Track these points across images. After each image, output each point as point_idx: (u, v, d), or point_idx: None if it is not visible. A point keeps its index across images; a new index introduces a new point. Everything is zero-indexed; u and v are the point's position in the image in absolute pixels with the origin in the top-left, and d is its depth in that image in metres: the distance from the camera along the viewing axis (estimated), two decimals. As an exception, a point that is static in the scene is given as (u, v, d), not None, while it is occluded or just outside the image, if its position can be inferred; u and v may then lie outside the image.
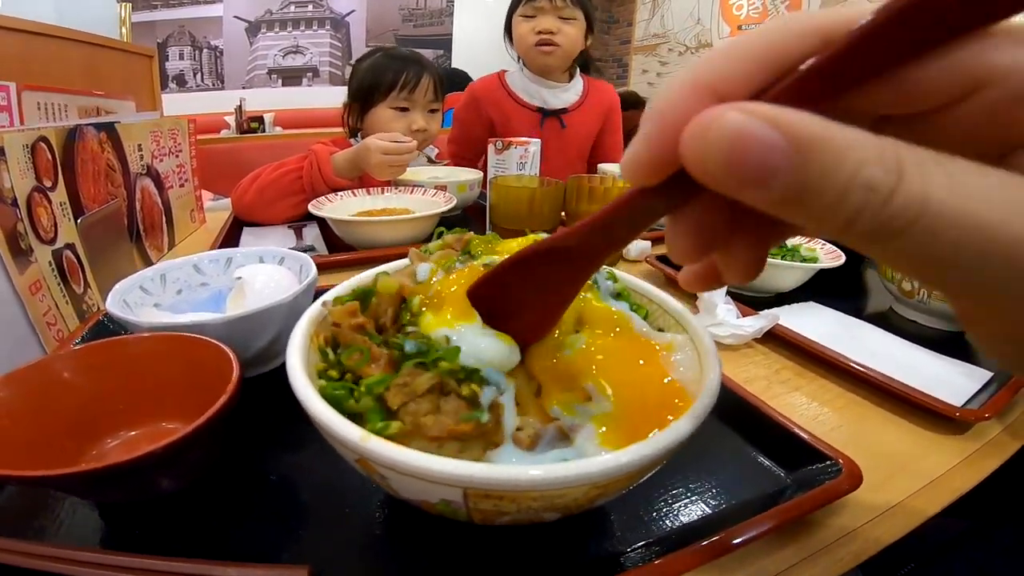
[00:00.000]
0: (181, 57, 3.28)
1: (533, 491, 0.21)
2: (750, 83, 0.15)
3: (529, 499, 0.21)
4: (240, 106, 2.78)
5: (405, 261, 0.35)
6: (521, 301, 0.26)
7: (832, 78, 0.14)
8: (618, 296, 0.34)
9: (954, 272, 0.13)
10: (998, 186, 0.12)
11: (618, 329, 0.28)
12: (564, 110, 1.31)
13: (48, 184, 0.55)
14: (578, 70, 1.34)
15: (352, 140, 1.19)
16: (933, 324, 0.67)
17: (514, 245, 0.31)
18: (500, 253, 0.32)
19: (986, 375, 0.54)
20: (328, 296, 0.32)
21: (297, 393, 0.24)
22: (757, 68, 0.15)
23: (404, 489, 0.23)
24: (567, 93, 1.32)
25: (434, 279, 0.30)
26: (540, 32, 1.20)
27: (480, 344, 0.25)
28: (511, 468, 0.21)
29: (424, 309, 0.28)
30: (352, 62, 1.23)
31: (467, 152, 1.44)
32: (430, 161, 1.18)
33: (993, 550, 0.62)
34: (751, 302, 0.64)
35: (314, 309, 0.31)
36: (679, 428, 0.23)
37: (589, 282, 0.30)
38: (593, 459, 0.21)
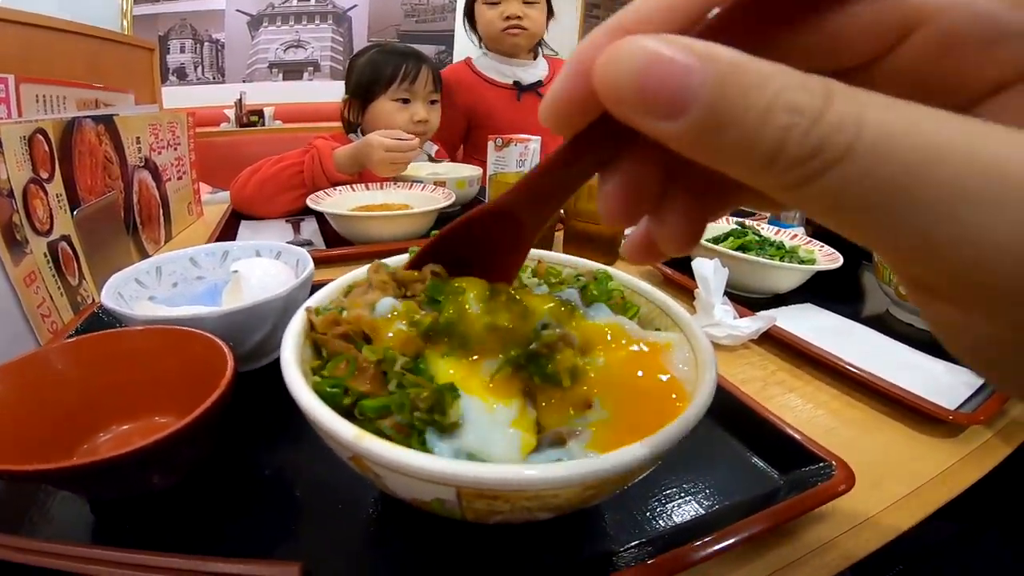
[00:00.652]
0: (182, 50, 3.26)
1: (527, 491, 0.21)
2: (671, 27, 0.14)
3: (523, 499, 0.21)
4: (240, 99, 2.77)
5: (404, 257, 0.35)
6: (471, 260, 0.28)
7: (750, 17, 0.13)
8: (594, 301, 0.33)
9: (900, 219, 0.11)
10: (948, 116, 0.10)
11: (610, 338, 0.28)
12: (540, 82, 1.35)
13: (45, 176, 0.55)
14: (541, 50, 1.38)
15: (352, 135, 1.19)
16: (928, 326, 0.66)
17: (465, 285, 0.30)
18: (458, 295, 0.29)
19: (980, 378, 0.54)
20: (314, 299, 0.32)
21: (291, 389, 0.24)
22: (680, 14, 0.14)
23: (398, 487, 0.23)
24: (536, 69, 1.35)
25: (397, 323, 0.27)
26: (508, 18, 1.23)
27: (491, 437, 0.24)
28: (505, 468, 0.21)
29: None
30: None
31: (449, 137, 1.45)
32: (431, 159, 1.18)
33: (981, 553, 0.62)
34: (748, 303, 0.64)
35: (303, 312, 0.30)
36: (672, 430, 0.22)
37: (573, 309, 0.29)
38: (587, 460, 0.21)
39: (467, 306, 0.27)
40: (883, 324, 0.67)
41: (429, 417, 0.23)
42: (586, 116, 0.15)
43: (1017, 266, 0.10)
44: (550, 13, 1.32)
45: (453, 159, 1.39)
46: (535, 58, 1.37)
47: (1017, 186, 0.10)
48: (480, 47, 1.34)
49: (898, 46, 0.14)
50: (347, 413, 0.24)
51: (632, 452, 0.21)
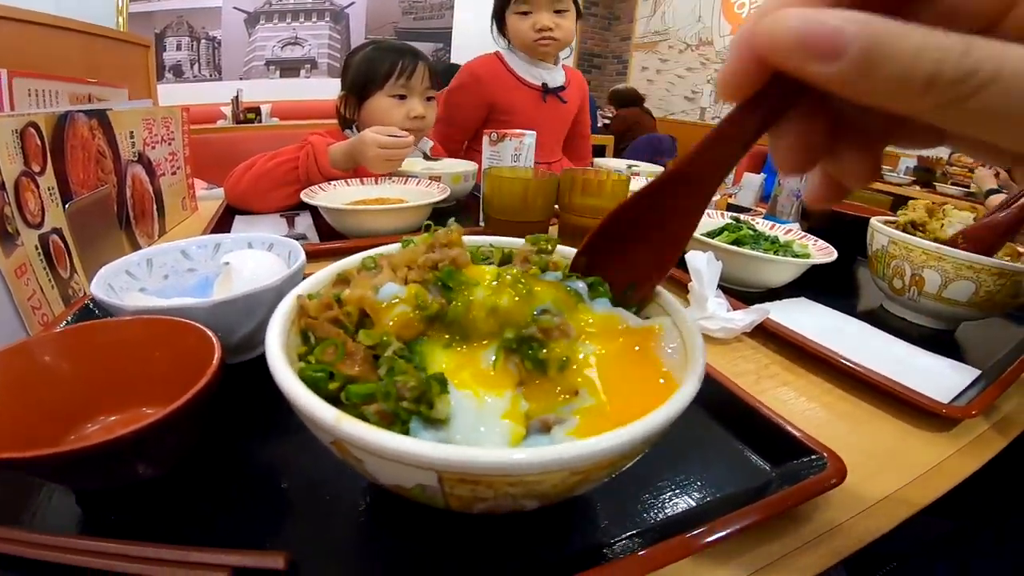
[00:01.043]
0: (179, 48, 3.25)
1: (509, 476, 0.20)
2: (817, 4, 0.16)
3: (506, 484, 0.21)
4: (236, 97, 2.76)
5: (397, 246, 0.35)
6: (646, 236, 0.29)
7: None
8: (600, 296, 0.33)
9: None
10: None
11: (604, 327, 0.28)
12: (563, 87, 1.39)
13: (36, 169, 0.54)
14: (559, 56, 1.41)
15: (348, 132, 1.19)
16: (922, 322, 0.67)
17: (477, 275, 0.30)
18: (469, 285, 0.29)
19: (974, 372, 0.54)
20: (305, 285, 0.31)
21: (273, 372, 0.24)
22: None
23: (379, 473, 0.23)
24: (559, 74, 1.39)
25: (400, 307, 0.27)
26: (540, 30, 1.25)
27: (479, 427, 0.24)
28: (486, 451, 0.20)
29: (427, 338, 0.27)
30: (350, 55, 1.24)
31: (457, 135, 1.44)
32: (425, 157, 1.18)
33: (975, 551, 0.62)
34: (742, 297, 0.64)
35: (293, 297, 0.30)
36: (660, 415, 0.22)
37: (578, 298, 0.30)
38: (572, 444, 0.20)
39: (476, 294, 0.27)
40: (877, 319, 0.67)
41: (415, 407, 0.23)
42: (752, 83, 0.17)
43: None
44: (578, 15, 1.33)
45: (453, 154, 1.38)
46: (556, 63, 1.40)
47: None
48: (508, 47, 1.36)
49: (1013, 9, 0.16)
50: (334, 400, 0.24)
51: (618, 436, 0.21)
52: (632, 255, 0.30)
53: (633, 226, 0.29)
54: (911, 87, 0.14)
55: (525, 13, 1.27)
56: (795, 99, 0.18)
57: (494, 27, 1.37)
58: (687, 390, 0.24)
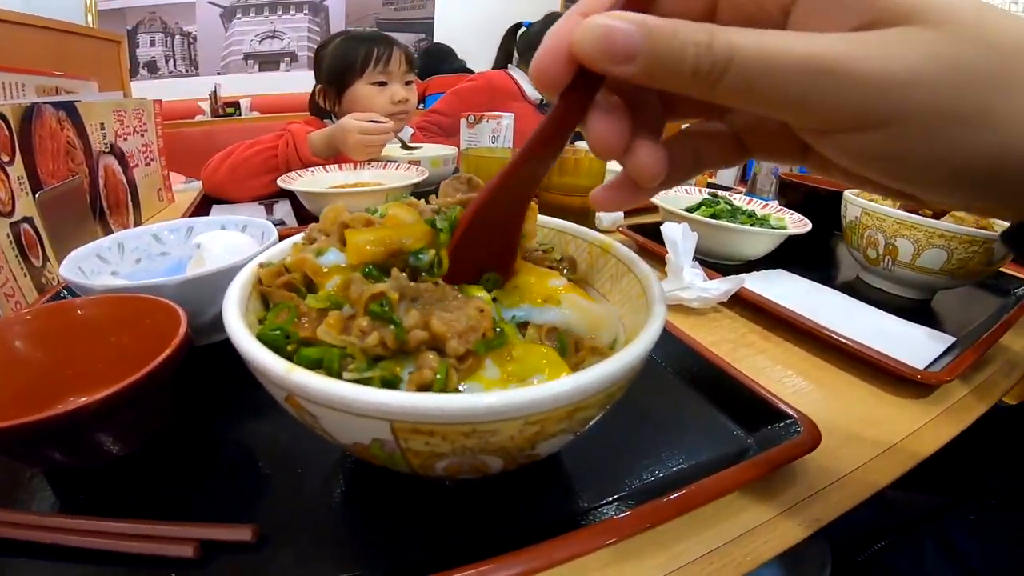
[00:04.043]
0: (153, 44, 3.19)
1: (461, 423, 0.20)
2: (612, 7, 0.19)
3: (460, 435, 0.21)
4: (215, 92, 2.72)
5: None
6: (490, 238, 0.28)
7: None
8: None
9: (769, 94, 0.17)
10: (783, 33, 0.17)
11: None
12: None
13: (5, 159, 0.54)
14: None
15: (327, 121, 1.18)
16: (897, 292, 0.68)
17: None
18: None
19: (949, 339, 0.55)
20: (267, 254, 0.31)
21: (229, 330, 0.24)
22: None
23: (336, 430, 0.23)
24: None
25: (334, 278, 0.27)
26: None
27: None
28: (434, 396, 0.20)
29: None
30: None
31: (453, 125, 1.46)
32: (404, 146, 1.17)
33: (960, 526, 0.62)
34: (720, 270, 0.65)
35: (254, 265, 0.30)
36: (617, 361, 0.22)
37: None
38: (521, 389, 0.21)
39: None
40: (854, 290, 0.68)
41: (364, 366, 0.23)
42: (565, 75, 0.20)
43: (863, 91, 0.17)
44: None
45: (432, 139, 1.39)
46: None
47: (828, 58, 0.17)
48: (515, 65, 1.52)
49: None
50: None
51: (573, 381, 0.21)
52: (483, 253, 0.30)
53: (482, 229, 0.28)
54: (684, 78, 0.18)
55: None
56: (598, 86, 0.21)
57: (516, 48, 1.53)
58: (647, 336, 0.24)
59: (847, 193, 0.71)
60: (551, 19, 1.51)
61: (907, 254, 0.62)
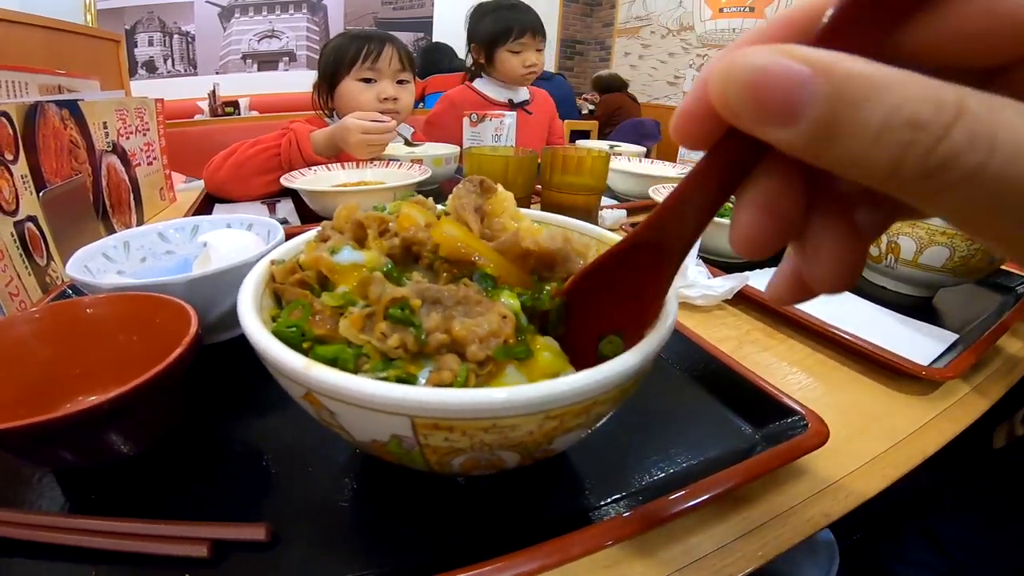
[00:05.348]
0: (151, 44, 3.19)
1: (482, 419, 0.20)
2: (792, 40, 0.13)
3: (480, 430, 0.21)
4: (213, 91, 2.72)
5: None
6: (615, 304, 0.25)
7: (867, 15, 0.12)
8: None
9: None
10: None
11: None
12: (527, 101, 1.57)
13: (10, 158, 0.54)
14: None
15: (328, 120, 1.18)
16: (900, 289, 0.68)
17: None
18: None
19: (952, 336, 0.55)
20: (279, 251, 0.31)
21: (244, 326, 0.24)
22: (797, 30, 0.13)
23: (354, 427, 0.23)
24: (522, 92, 1.58)
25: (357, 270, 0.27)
26: (528, 66, 1.47)
27: None
28: (457, 392, 0.20)
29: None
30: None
31: (446, 139, 1.50)
32: (406, 143, 1.17)
33: (939, 513, 0.63)
34: (724, 268, 0.65)
35: (267, 262, 0.30)
36: (630, 358, 0.23)
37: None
38: (542, 383, 0.21)
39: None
40: (856, 288, 0.68)
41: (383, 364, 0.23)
42: (712, 129, 0.15)
43: None
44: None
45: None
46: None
47: None
48: (483, 75, 1.55)
49: None
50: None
51: (591, 376, 0.21)
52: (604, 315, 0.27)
53: (604, 288, 0.26)
54: (872, 172, 0.11)
55: (516, 52, 1.46)
56: (763, 152, 0.15)
57: (481, 54, 1.52)
58: (660, 333, 0.24)
59: None
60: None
61: (909, 251, 0.62)
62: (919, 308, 0.64)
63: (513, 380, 0.24)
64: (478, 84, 1.55)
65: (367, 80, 1.13)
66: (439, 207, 0.33)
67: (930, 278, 0.63)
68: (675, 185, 0.18)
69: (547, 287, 0.28)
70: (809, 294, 0.18)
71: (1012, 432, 0.59)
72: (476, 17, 1.53)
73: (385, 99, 1.13)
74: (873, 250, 0.66)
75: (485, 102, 1.51)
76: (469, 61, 1.60)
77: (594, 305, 0.26)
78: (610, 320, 0.26)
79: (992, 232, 0.12)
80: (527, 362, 0.24)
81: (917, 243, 0.61)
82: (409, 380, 0.23)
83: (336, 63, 1.13)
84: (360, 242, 0.28)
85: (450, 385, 0.22)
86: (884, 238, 0.64)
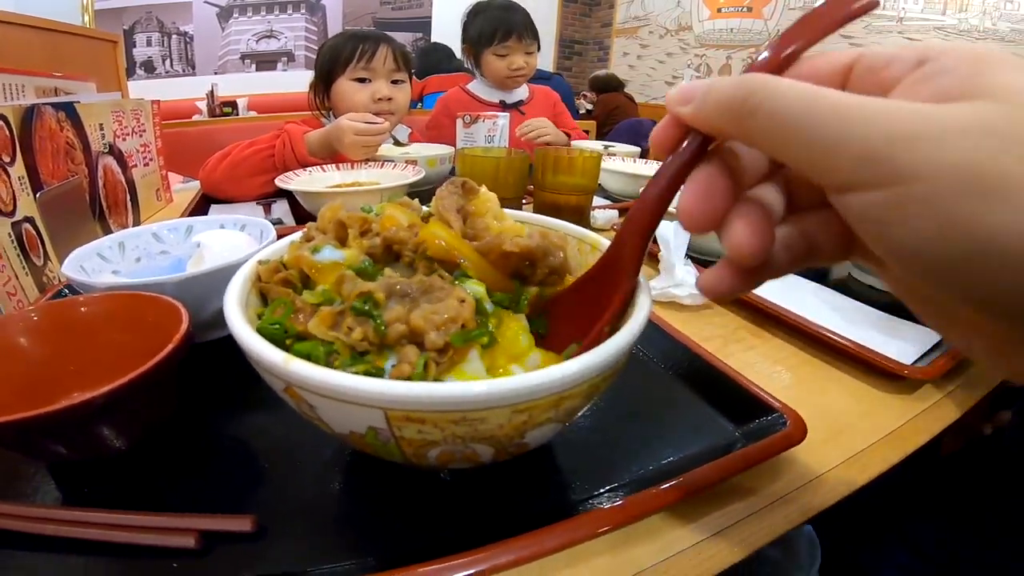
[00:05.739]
0: (149, 44, 3.20)
1: (450, 411, 0.21)
2: None
3: (451, 423, 0.22)
4: (212, 91, 2.72)
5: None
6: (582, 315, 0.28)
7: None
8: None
9: (795, 138, 0.17)
10: (827, 88, 0.17)
11: None
12: (521, 101, 1.55)
13: (7, 159, 0.54)
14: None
15: (324, 120, 1.19)
16: (886, 287, 0.68)
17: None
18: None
19: (935, 337, 0.55)
20: (266, 252, 0.32)
21: (230, 325, 0.24)
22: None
23: (332, 419, 0.23)
24: (519, 92, 1.57)
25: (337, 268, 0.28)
26: (513, 69, 1.46)
27: None
28: (425, 384, 0.21)
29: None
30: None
31: (445, 141, 1.50)
32: (396, 143, 1.18)
33: (920, 517, 0.63)
34: (711, 266, 0.65)
35: (254, 262, 0.31)
36: (598, 352, 0.23)
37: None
38: (508, 378, 0.21)
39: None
40: (846, 288, 0.68)
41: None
42: (672, 135, 0.22)
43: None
44: (538, 49, 1.56)
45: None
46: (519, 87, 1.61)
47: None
48: (471, 67, 1.54)
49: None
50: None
51: (557, 371, 0.22)
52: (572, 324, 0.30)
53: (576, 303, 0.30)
54: (721, 113, 0.19)
55: (502, 56, 1.45)
56: (702, 150, 0.22)
57: (471, 62, 1.53)
58: (633, 327, 0.25)
59: None
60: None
61: None
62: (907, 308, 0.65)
63: (473, 368, 0.25)
64: (472, 86, 1.55)
65: (361, 80, 1.13)
66: (424, 208, 0.34)
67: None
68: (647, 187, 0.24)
69: (527, 291, 0.29)
70: (743, 278, 0.23)
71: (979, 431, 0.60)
72: (470, 17, 1.52)
73: (380, 99, 1.13)
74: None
75: (477, 103, 1.51)
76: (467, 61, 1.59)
77: (567, 318, 0.28)
78: (578, 328, 0.28)
79: (780, 145, 0.18)
80: (491, 348, 0.25)
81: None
82: (377, 375, 0.24)
83: (331, 63, 1.14)
84: (342, 241, 0.29)
85: (409, 377, 0.23)
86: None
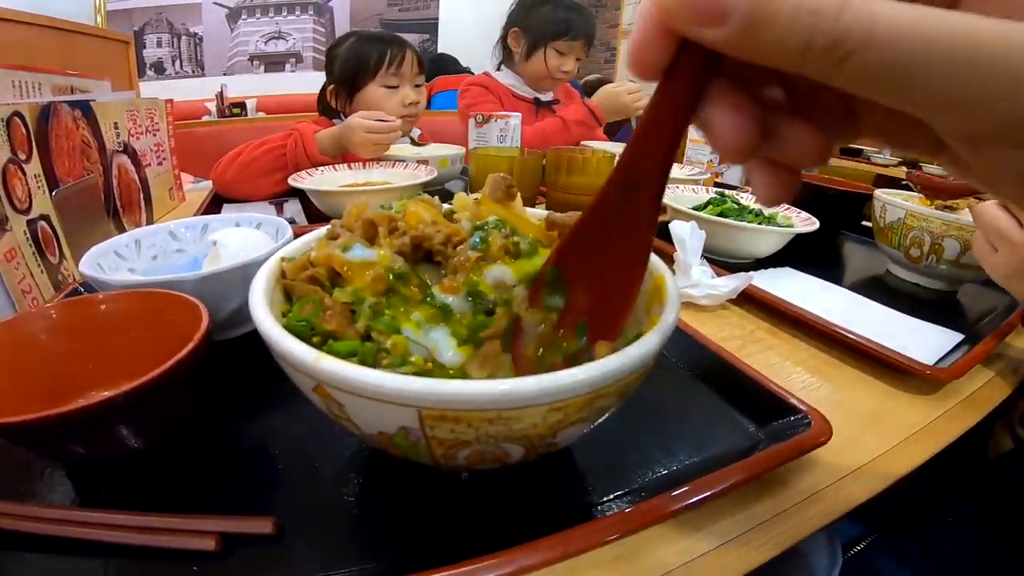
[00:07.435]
0: (159, 45, 3.22)
1: (487, 410, 0.21)
2: None
3: (485, 421, 0.21)
4: (221, 92, 2.73)
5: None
6: (603, 263, 0.25)
7: None
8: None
9: (917, 87, 0.13)
10: (946, 12, 0.13)
11: None
12: (556, 101, 1.49)
13: (23, 157, 0.55)
14: None
15: (335, 120, 1.19)
16: (933, 285, 0.69)
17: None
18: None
19: (957, 337, 0.55)
20: (289, 248, 0.32)
21: (257, 321, 0.24)
22: None
23: (361, 418, 0.23)
24: (549, 92, 1.51)
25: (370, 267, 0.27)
26: (563, 71, 1.40)
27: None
28: (463, 383, 0.21)
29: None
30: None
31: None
32: (413, 142, 1.18)
33: (942, 525, 0.62)
34: (728, 268, 0.65)
35: (277, 259, 0.31)
36: (633, 351, 0.23)
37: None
38: (546, 375, 0.21)
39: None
40: (864, 286, 0.69)
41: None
42: (662, 54, 0.17)
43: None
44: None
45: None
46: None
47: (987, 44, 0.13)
48: (501, 66, 1.47)
49: None
50: None
51: (595, 368, 0.21)
52: (594, 278, 0.26)
53: (593, 243, 0.25)
54: (791, 54, 0.14)
55: (563, 54, 1.38)
56: (712, 66, 0.17)
57: (513, 40, 1.43)
58: (663, 326, 0.25)
59: (882, 194, 0.71)
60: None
61: (953, 252, 0.64)
62: (940, 303, 0.66)
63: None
64: (502, 77, 1.47)
65: (391, 87, 1.13)
66: (445, 206, 0.34)
67: (964, 275, 0.66)
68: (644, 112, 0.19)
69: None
70: (794, 179, 0.20)
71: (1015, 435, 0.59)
72: (531, 1, 1.41)
73: (409, 104, 1.13)
74: (914, 251, 0.67)
75: (512, 98, 1.45)
76: (495, 55, 1.49)
77: (584, 274, 0.26)
78: (599, 293, 0.26)
79: (893, 94, 0.14)
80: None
81: (962, 245, 0.62)
82: (425, 375, 0.23)
83: (358, 68, 1.12)
84: (370, 240, 0.29)
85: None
86: (928, 240, 0.65)
